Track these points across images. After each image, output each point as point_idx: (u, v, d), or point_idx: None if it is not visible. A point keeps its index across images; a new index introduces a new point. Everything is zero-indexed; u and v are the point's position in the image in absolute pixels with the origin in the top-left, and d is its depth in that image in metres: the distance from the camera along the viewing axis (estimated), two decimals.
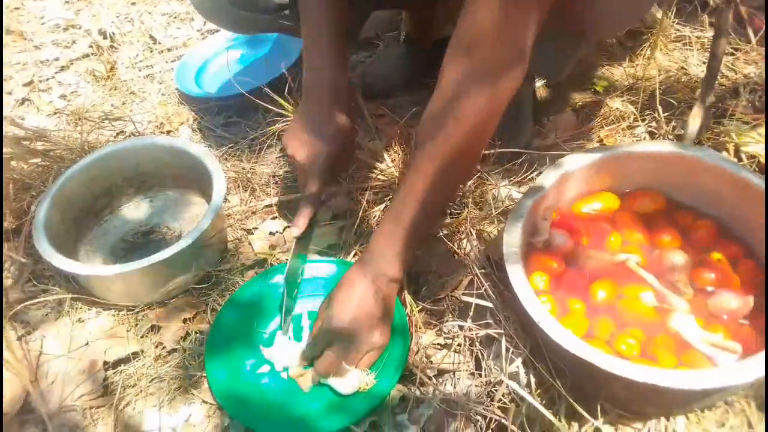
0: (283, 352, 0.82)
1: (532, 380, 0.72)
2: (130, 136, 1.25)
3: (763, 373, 0.60)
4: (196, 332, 0.88)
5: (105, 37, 1.59)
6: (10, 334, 0.86)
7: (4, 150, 1.07)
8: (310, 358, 0.79)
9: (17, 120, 1.29)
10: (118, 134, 1.26)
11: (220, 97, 1.28)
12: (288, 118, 1.11)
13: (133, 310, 0.91)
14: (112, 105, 1.36)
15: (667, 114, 1.01)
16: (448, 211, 0.95)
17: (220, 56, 1.41)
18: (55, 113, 1.37)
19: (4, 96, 1.44)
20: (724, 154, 0.91)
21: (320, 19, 0.88)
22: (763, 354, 0.61)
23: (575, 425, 0.69)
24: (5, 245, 1.01)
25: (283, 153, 1.11)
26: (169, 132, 1.25)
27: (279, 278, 0.90)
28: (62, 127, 1.29)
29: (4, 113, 1.37)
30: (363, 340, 0.75)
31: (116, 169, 1.05)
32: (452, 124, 0.68)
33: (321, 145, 0.87)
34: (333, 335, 0.75)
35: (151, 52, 1.54)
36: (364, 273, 0.76)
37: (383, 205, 0.98)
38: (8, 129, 1.16)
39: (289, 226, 1.02)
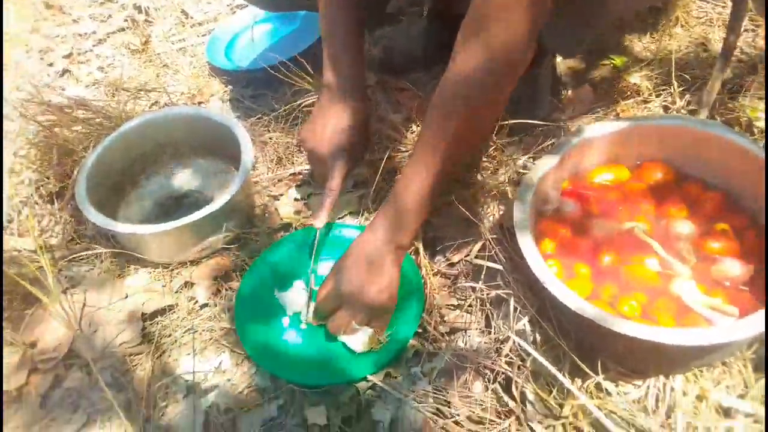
0: (295, 300, 0.89)
1: (538, 338, 0.77)
2: (164, 106, 1.31)
3: (758, 332, 0.63)
4: (226, 289, 0.94)
5: (140, 12, 1.65)
6: (56, 287, 0.93)
7: (49, 117, 1.14)
8: (321, 318, 0.84)
9: (59, 90, 1.36)
10: (152, 105, 1.32)
11: (249, 70, 1.33)
12: (312, 93, 1.16)
13: (168, 267, 0.98)
14: (147, 77, 1.42)
15: (682, 89, 1.03)
16: (466, 180, 0.98)
17: (248, 31, 1.46)
18: (93, 84, 1.44)
19: (47, 67, 1.51)
20: (736, 128, 0.93)
21: (337, 10, 0.93)
22: (759, 313, 0.64)
23: (578, 381, 0.74)
24: (49, 206, 1.09)
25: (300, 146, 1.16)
26: (200, 103, 1.31)
27: (303, 241, 0.96)
28: (101, 97, 1.36)
29: (47, 82, 1.44)
30: (370, 304, 0.79)
31: (151, 137, 1.11)
32: (462, 101, 0.72)
33: (339, 140, 0.91)
34: (342, 298, 0.80)
35: (183, 26, 1.60)
36: (373, 240, 0.80)
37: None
38: (51, 97, 1.23)
39: (313, 193, 1.07)
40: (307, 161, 1.01)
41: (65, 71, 1.50)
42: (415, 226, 0.80)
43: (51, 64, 1.53)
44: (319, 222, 0.91)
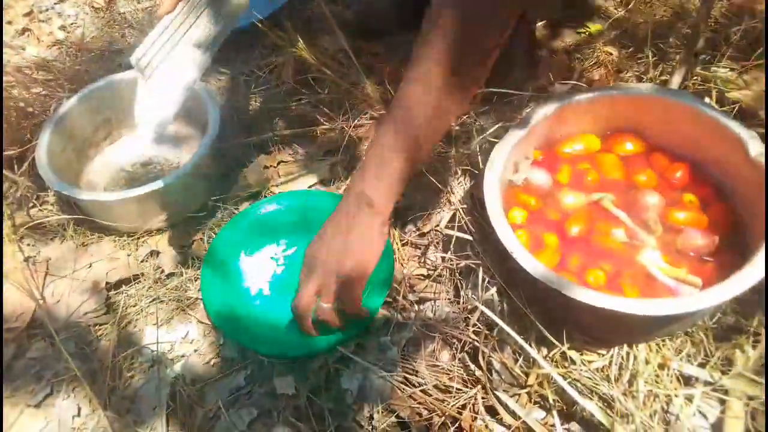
0: (263, 268, 0.90)
1: (506, 308, 0.77)
2: (129, 68, 1.26)
3: (720, 302, 0.64)
4: (193, 258, 0.93)
5: None
6: (17, 255, 0.91)
7: (7, 78, 1.09)
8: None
9: (18, 49, 1.31)
10: (117, 66, 1.27)
11: None
12: (281, 53, 1.13)
13: (133, 236, 0.96)
14: (111, 37, 1.37)
15: (655, 58, 1.03)
16: (436, 149, 0.97)
17: None
18: (54, 44, 1.38)
19: (6, 25, 1.44)
20: (706, 99, 0.93)
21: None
22: (722, 285, 0.65)
23: (544, 350, 0.75)
24: (8, 171, 1.05)
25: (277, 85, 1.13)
26: None
27: (272, 208, 0.94)
28: (62, 58, 1.30)
29: (6, 41, 1.37)
30: (338, 277, 0.72)
31: (115, 100, 1.08)
32: (438, 56, 0.68)
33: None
34: (314, 273, 0.73)
35: None
36: (353, 205, 0.73)
37: None
38: (10, 57, 1.18)
39: (283, 162, 1.05)
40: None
41: (25, 30, 1.44)
42: (397, 189, 0.73)
43: (10, 22, 1.46)
44: (162, 9, 0.78)
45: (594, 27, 1.13)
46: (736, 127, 0.78)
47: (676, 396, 0.69)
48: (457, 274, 0.83)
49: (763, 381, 0.68)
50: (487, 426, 0.71)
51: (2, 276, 0.89)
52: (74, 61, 1.25)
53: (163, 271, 0.92)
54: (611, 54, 1.09)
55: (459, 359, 0.77)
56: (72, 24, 1.45)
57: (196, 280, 0.90)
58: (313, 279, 0.73)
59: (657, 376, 0.71)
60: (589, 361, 0.73)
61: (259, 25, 1.08)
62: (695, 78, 0.97)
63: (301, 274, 0.75)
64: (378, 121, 0.73)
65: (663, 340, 0.74)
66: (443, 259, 0.85)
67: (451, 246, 0.84)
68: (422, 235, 0.91)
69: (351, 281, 0.72)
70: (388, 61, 1.15)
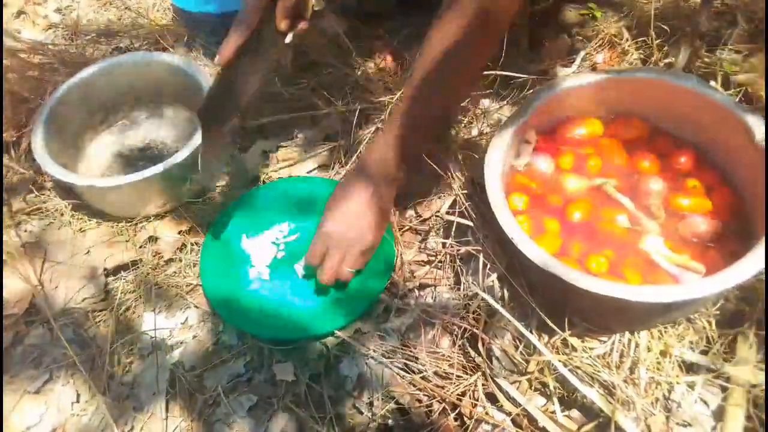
0: (263, 251, 0.89)
1: (506, 294, 0.77)
2: (125, 51, 1.25)
3: (722, 289, 0.63)
4: (192, 244, 0.92)
5: None
6: (14, 241, 0.90)
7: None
8: (312, 265, 0.82)
9: (13, 33, 1.29)
10: (113, 50, 1.26)
11: (217, 14, 1.27)
12: None
13: (131, 221, 0.95)
14: (107, 20, 1.35)
15: (660, 41, 1.01)
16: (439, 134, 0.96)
17: None
18: (50, 27, 1.36)
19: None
20: (711, 82, 0.91)
21: None
22: (725, 272, 0.64)
23: (545, 337, 0.74)
24: (5, 156, 1.04)
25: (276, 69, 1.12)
26: (164, 49, 1.24)
27: (272, 193, 0.94)
28: (58, 42, 1.29)
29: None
30: (356, 241, 0.79)
31: (112, 84, 1.06)
32: (455, 33, 0.71)
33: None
34: (328, 239, 0.79)
35: None
36: (362, 175, 0.80)
37: (374, 127, 1.00)
38: (5, 41, 1.16)
39: (282, 146, 1.04)
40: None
41: (20, 13, 1.42)
42: (405, 157, 0.80)
43: (5, 5, 1.44)
44: (218, 58, 0.78)
45: (597, 10, 1.11)
46: (741, 111, 0.76)
47: (677, 383, 0.69)
48: (457, 260, 0.83)
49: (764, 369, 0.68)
50: (487, 413, 0.71)
51: (2, 264, 0.89)
52: (70, 45, 1.23)
53: (161, 257, 0.91)
54: (615, 36, 1.07)
55: (459, 346, 0.76)
56: (67, 7, 1.43)
57: (194, 266, 0.89)
58: (336, 253, 0.79)
59: (658, 363, 0.71)
60: (590, 348, 0.73)
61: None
62: (700, 61, 0.96)
63: (315, 245, 0.81)
64: (397, 101, 0.78)
65: (665, 327, 0.73)
66: (444, 245, 0.85)
67: (452, 232, 0.83)
68: (423, 220, 0.90)
69: (371, 249, 0.82)
70: (388, 44, 1.13)
